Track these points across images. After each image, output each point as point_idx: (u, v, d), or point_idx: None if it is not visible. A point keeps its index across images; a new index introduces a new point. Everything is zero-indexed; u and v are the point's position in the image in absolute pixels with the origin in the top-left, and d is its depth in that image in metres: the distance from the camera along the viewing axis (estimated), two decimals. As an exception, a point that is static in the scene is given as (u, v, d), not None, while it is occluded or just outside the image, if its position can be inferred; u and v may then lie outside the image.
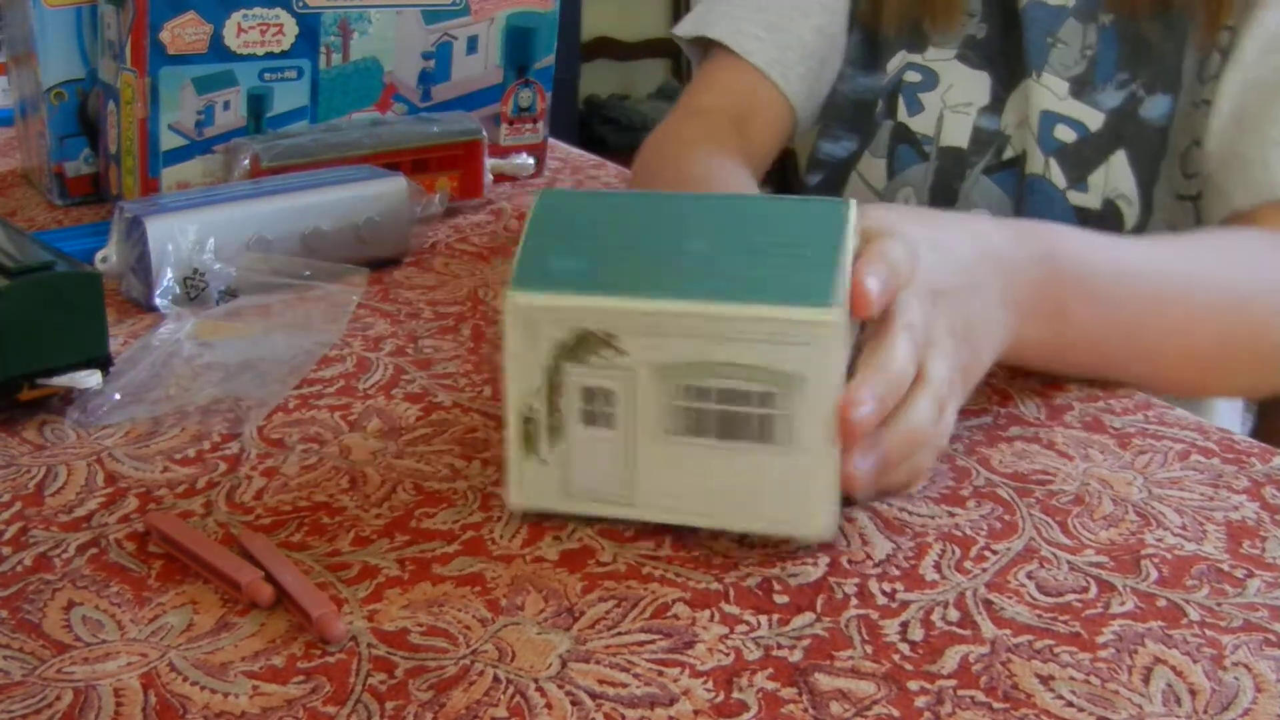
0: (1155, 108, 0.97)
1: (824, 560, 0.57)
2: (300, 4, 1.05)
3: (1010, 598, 0.54)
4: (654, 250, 0.59)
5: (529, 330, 0.58)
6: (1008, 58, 1.05)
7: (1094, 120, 0.99)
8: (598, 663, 0.49)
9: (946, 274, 0.66)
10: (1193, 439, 0.71)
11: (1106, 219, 1.00)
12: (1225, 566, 0.58)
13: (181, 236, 0.85)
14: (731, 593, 0.54)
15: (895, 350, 0.58)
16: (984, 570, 0.56)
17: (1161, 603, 0.54)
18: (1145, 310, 0.77)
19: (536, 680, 0.48)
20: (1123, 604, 0.54)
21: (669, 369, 0.57)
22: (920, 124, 1.09)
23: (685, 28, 1.14)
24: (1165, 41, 0.96)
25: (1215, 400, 1.08)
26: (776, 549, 0.58)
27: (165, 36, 0.99)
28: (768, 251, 0.58)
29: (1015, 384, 0.77)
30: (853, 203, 0.59)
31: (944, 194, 1.09)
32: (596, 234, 0.60)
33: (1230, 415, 1.12)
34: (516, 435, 0.59)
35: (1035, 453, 0.69)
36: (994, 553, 0.58)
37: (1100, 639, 0.52)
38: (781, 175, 3.64)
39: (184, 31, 1.00)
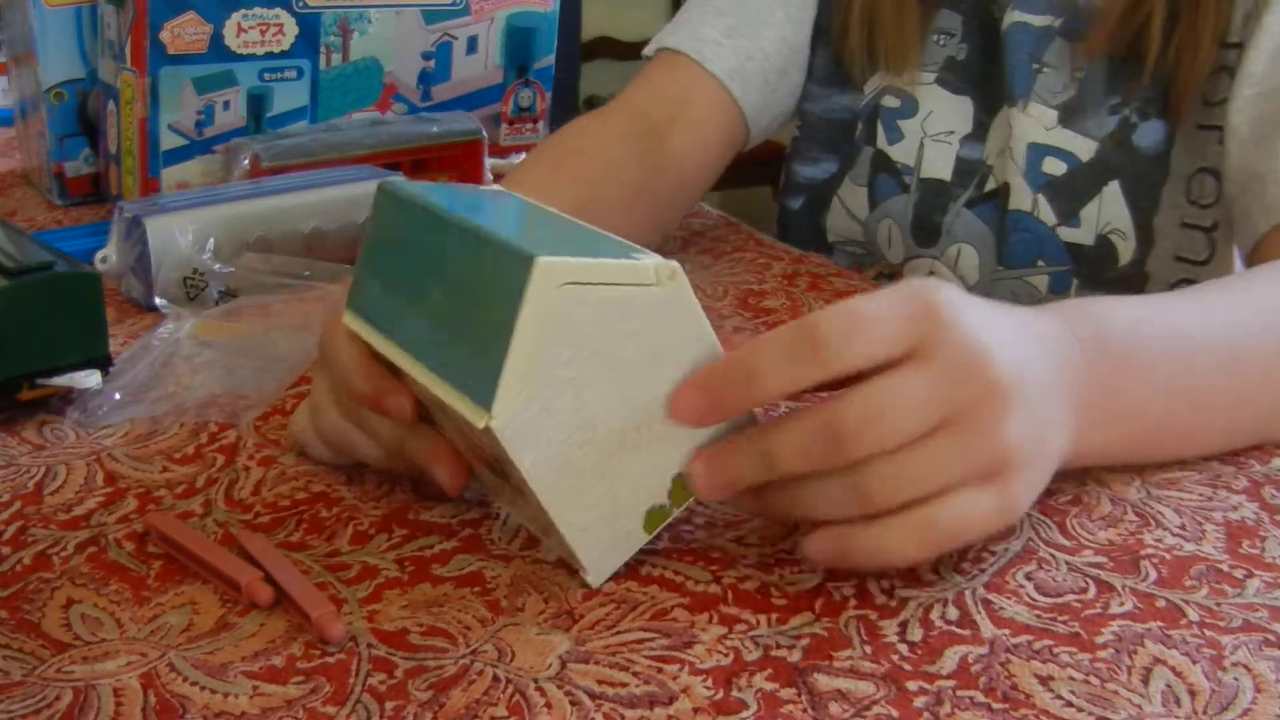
0: (1149, 134, 0.94)
1: (823, 560, 0.57)
2: (300, 4, 1.05)
3: (1009, 598, 0.54)
4: (412, 289, 0.54)
5: None
6: (990, 81, 1.01)
7: (1085, 150, 0.96)
8: (597, 663, 0.49)
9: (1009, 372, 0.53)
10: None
11: (1100, 255, 0.97)
12: (1224, 567, 0.58)
13: (181, 236, 0.85)
14: (730, 595, 0.54)
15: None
16: (982, 571, 0.56)
17: (1161, 603, 0.54)
18: (1218, 370, 0.66)
19: (536, 680, 0.48)
20: (1122, 604, 0.54)
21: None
22: (900, 153, 1.05)
23: (649, 48, 1.10)
24: (1156, 65, 0.93)
25: None
26: (775, 548, 0.58)
27: (165, 36, 0.99)
28: (472, 316, 0.50)
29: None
30: (541, 264, 0.47)
31: (925, 227, 1.06)
32: (395, 253, 0.56)
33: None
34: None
35: (1035, 453, 0.68)
36: (992, 553, 0.58)
37: (1099, 639, 0.51)
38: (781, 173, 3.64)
39: (184, 31, 1.00)
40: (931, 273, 1.05)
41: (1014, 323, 0.57)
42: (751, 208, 3.68)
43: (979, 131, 1.02)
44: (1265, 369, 0.67)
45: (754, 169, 3.71)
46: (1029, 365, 0.54)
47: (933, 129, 1.04)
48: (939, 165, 1.04)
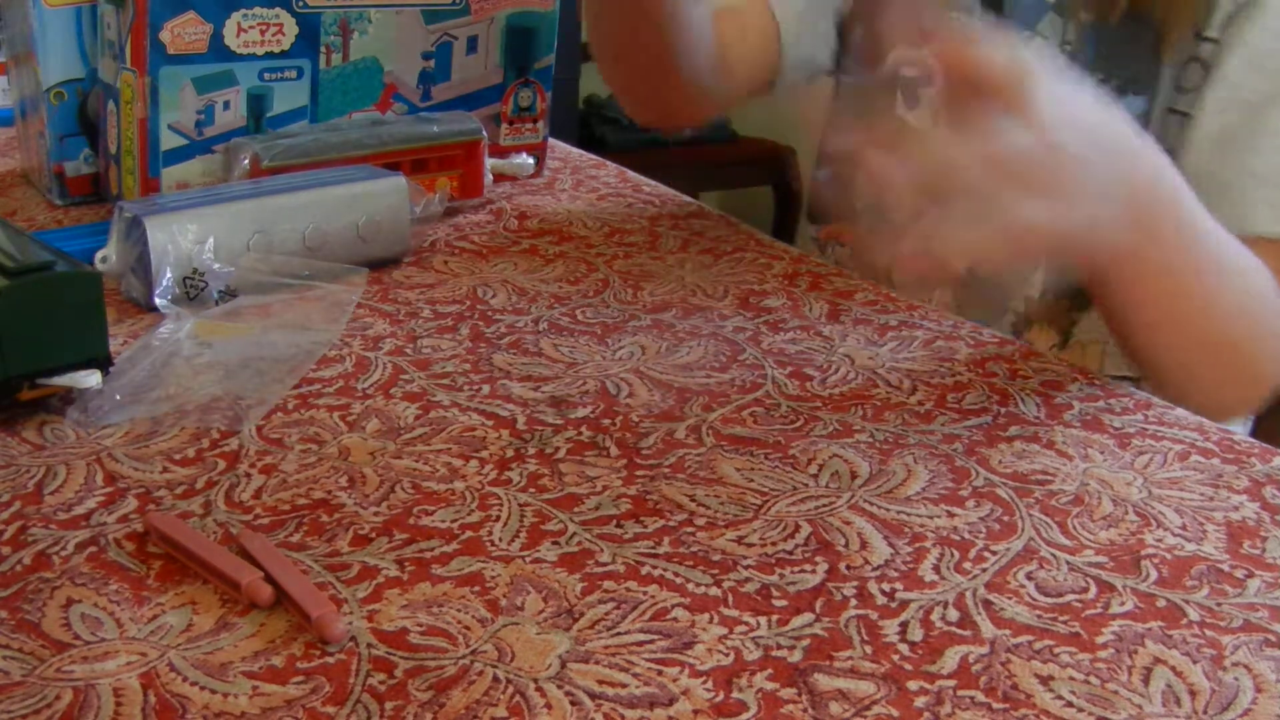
0: (1128, 109, 0.97)
1: (823, 565, 0.57)
2: (300, 4, 1.05)
3: (1010, 598, 0.54)
4: None
5: None
6: None
7: None
8: (597, 663, 0.49)
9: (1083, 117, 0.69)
10: (1192, 439, 0.71)
11: None
12: (1225, 567, 0.58)
13: (181, 236, 0.85)
14: (730, 597, 0.54)
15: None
16: (983, 571, 0.56)
17: (1161, 603, 0.54)
18: (1226, 289, 0.78)
19: (536, 680, 0.48)
20: (1122, 604, 0.54)
21: None
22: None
23: None
24: (1139, 44, 0.96)
25: None
26: (775, 548, 0.58)
27: (165, 36, 0.99)
28: None
29: (1015, 384, 0.77)
30: None
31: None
32: None
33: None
34: None
35: (1035, 452, 0.69)
36: (993, 553, 0.58)
37: (1100, 639, 0.52)
38: (781, 173, 3.65)
39: (184, 31, 1.00)
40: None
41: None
42: (751, 208, 3.68)
43: None
44: (1254, 322, 0.81)
45: (753, 170, 3.73)
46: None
47: None
48: None
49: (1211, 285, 0.78)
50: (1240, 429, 1.12)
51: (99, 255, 0.88)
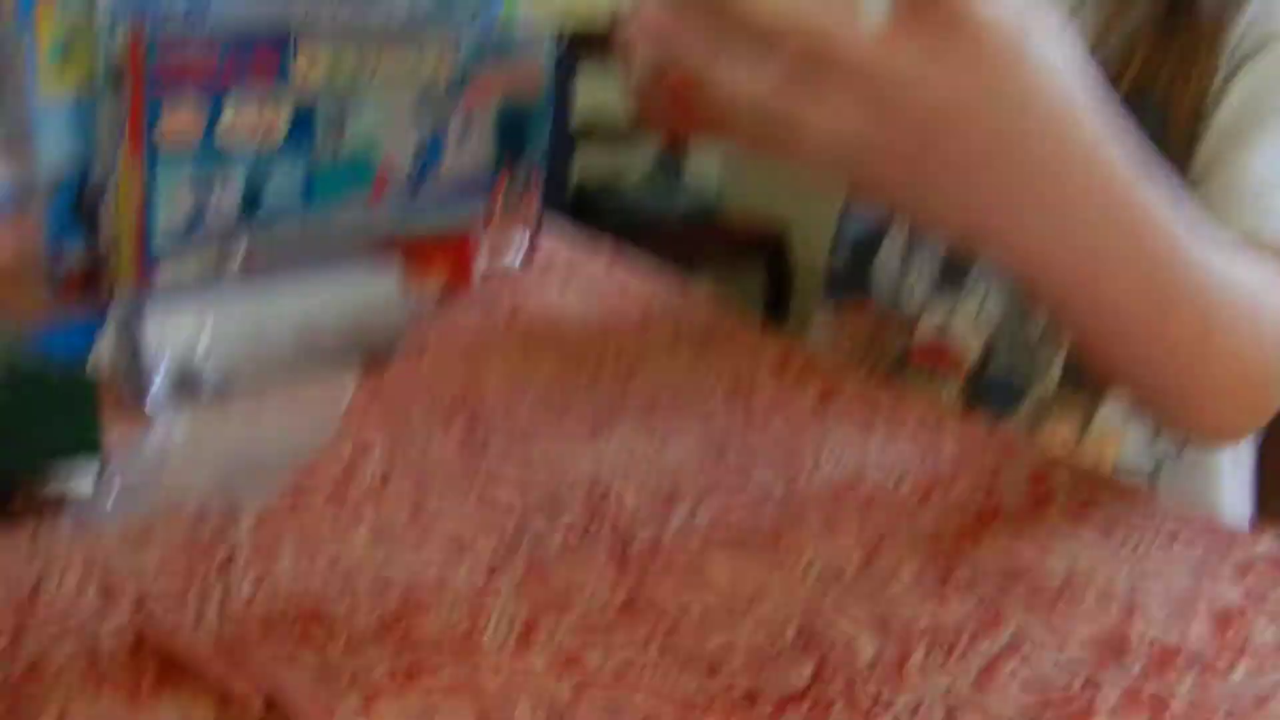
0: None
1: (810, 665, 0.58)
2: (295, 94, 1.06)
3: (994, 696, 0.55)
4: None
5: None
6: None
7: None
8: (585, 773, 0.50)
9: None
10: (1177, 527, 0.72)
11: None
12: (1210, 655, 0.58)
13: (175, 332, 0.86)
14: (716, 703, 0.55)
15: None
16: (968, 669, 0.57)
17: (1146, 694, 0.55)
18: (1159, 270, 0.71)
19: (525, 792, 0.49)
20: (1107, 698, 0.55)
21: None
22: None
23: None
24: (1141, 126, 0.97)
25: (1222, 473, 1.09)
26: (761, 650, 0.59)
27: (161, 128, 1.01)
28: None
29: (1002, 475, 0.78)
30: None
31: (952, 274, 1.10)
32: None
33: (1233, 488, 1.12)
34: None
35: (1020, 545, 0.69)
36: (978, 649, 0.59)
37: (1084, 740, 0.52)
38: (774, 253, 3.66)
39: (179, 122, 1.02)
40: (950, 321, 1.09)
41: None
42: (743, 289, 3.70)
43: None
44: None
45: (748, 253, 3.75)
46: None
47: None
48: None
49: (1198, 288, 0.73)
50: (1247, 453, 1.12)
51: (93, 351, 0.89)
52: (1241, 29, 0.98)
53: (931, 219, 0.66)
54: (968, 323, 1.09)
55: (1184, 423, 0.83)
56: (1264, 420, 0.87)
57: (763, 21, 0.57)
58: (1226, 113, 0.96)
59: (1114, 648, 0.59)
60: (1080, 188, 0.64)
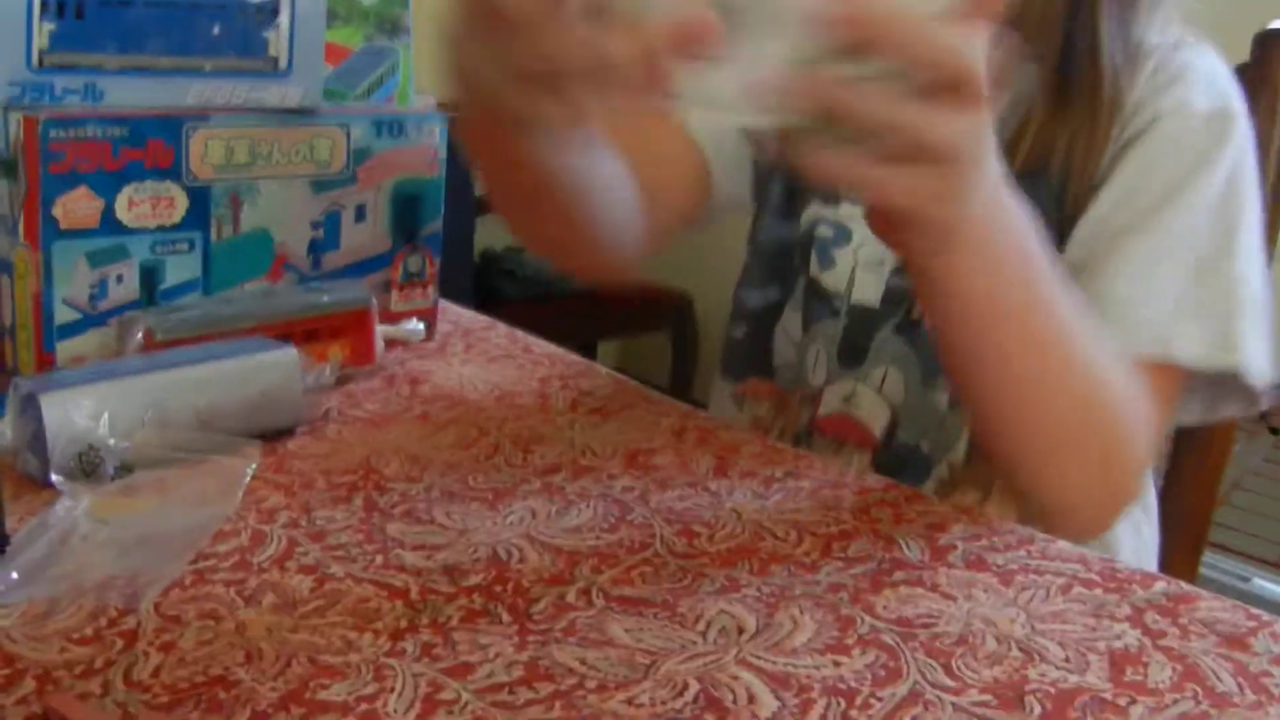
0: None
1: None
2: (190, 177, 1.07)
3: (887, 748, 0.56)
4: None
5: None
6: None
7: None
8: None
9: None
10: (1075, 571, 0.74)
11: None
12: (1108, 695, 0.60)
13: (76, 411, 0.86)
14: (620, 755, 0.56)
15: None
16: (872, 718, 0.58)
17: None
18: (1051, 331, 0.80)
19: None
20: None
21: None
22: (832, 280, 1.10)
23: None
24: (1037, 199, 0.99)
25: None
26: (664, 709, 0.60)
27: (58, 210, 1.01)
28: None
29: (900, 529, 0.80)
30: None
31: (852, 350, 1.11)
32: None
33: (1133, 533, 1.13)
34: None
35: (919, 596, 0.71)
36: (879, 700, 0.60)
37: (973, 786, 0.54)
38: (678, 321, 3.67)
39: (76, 206, 1.02)
40: (854, 394, 1.09)
41: None
42: (649, 356, 3.72)
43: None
44: (1079, 369, 0.82)
45: (651, 317, 3.77)
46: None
47: (865, 258, 1.08)
48: (868, 292, 1.09)
49: (1063, 334, 0.81)
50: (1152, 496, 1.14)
51: (-7, 433, 0.88)
52: (1133, 105, 1.00)
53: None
54: (873, 394, 1.10)
55: (1055, 500, 0.86)
56: (1120, 510, 0.91)
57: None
58: (1105, 204, 0.98)
59: (1015, 691, 0.61)
60: (1013, 246, 0.76)
